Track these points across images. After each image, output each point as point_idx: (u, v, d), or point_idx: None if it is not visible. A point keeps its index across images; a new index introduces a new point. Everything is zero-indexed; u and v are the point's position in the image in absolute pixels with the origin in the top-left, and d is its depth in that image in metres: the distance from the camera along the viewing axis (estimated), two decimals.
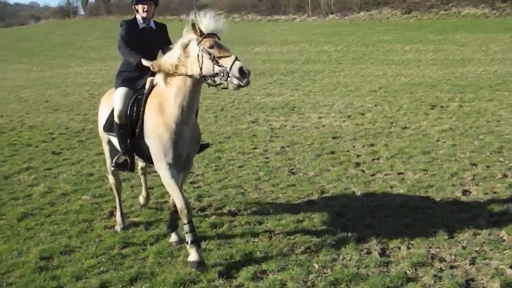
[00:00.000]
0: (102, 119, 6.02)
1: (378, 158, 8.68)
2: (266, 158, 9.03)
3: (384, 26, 44.12)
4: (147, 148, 5.28)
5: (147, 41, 5.67)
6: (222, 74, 4.73)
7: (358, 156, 8.89)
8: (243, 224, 6.13)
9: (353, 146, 9.55)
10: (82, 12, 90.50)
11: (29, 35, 61.06)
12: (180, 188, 5.32)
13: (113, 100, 5.70)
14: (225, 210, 6.63)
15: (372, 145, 9.57)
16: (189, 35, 4.98)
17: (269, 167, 8.44)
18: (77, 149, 10.36)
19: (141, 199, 6.75)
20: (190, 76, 5.00)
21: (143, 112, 5.30)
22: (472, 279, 4.68)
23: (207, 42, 4.85)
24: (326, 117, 12.43)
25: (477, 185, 7.12)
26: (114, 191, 6.42)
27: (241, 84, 4.68)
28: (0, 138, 11.63)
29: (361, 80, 18.65)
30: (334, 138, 10.28)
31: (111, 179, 6.38)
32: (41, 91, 19.75)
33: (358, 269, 4.92)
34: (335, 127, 11.33)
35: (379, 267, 4.94)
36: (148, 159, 5.51)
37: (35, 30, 68.64)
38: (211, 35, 4.89)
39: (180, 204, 5.13)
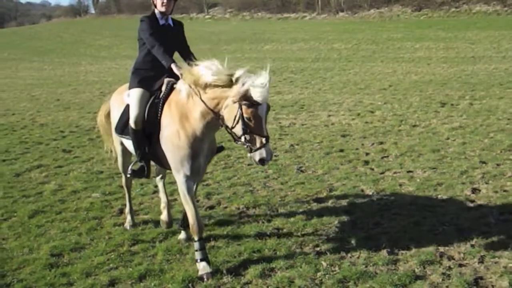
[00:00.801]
0: (113, 120, 5.85)
1: (387, 156, 8.67)
2: (275, 156, 9.03)
3: (394, 24, 43.95)
4: (163, 153, 5.13)
5: (167, 39, 5.39)
6: (245, 147, 4.67)
7: (367, 154, 8.87)
8: (251, 222, 6.15)
9: (362, 144, 9.54)
10: (92, 10, 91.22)
11: (40, 33, 61.50)
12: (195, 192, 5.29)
13: (128, 102, 5.46)
14: (233, 208, 6.65)
15: (381, 143, 9.55)
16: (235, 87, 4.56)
17: (278, 165, 8.46)
18: (87, 147, 10.43)
19: (164, 216, 6.06)
20: (218, 117, 4.78)
21: (160, 117, 5.12)
22: (481, 278, 4.66)
23: (246, 113, 4.53)
24: (335, 115, 12.41)
25: (486, 183, 7.08)
26: (125, 189, 6.37)
27: (257, 165, 4.73)
28: (12, 136, 11.74)
29: (371, 78, 18.59)
30: (343, 136, 10.27)
31: (122, 177, 6.39)
32: (52, 90, 19.91)
33: (366, 267, 4.92)
34: (345, 125, 11.31)
35: (387, 265, 4.94)
36: (162, 164, 5.36)
37: (47, 28, 69.11)
38: (254, 105, 4.51)
39: (192, 220, 5.03)
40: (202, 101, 4.80)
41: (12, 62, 36.00)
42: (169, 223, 6.03)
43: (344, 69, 22.07)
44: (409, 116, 11.73)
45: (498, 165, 7.83)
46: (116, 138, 6.00)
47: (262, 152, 4.56)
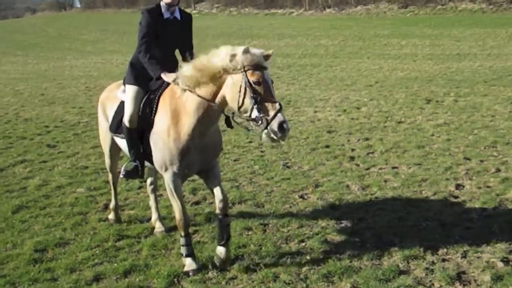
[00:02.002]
0: (105, 118, 5.68)
1: (372, 152, 8.72)
2: (261, 151, 9.05)
3: (381, 21, 44.14)
4: None
5: (171, 35, 5.01)
6: (260, 122, 4.22)
7: (352, 150, 8.91)
8: (237, 217, 6.16)
9: (348, 140, 9.58)
10: (78, 4, 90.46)
11: (24, 27, 60.79)
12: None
13: (123, 99, 5.25)
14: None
15: (367, 139, 9.59)
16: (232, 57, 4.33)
17: (264, 160, 8.46)
18: (72, 142, 10.35)
19: (158, 227, 5.85)
20: (222, 106, 4.54)
21: (155, 113, 4.88)
22: (464, 272, 4.72)
23: (253, 77, 4.25)
24: (321, 111, 12.44)
25: (470, 179, 7.16)
26: (111, 186, 6.23)
27: (275, 139, 4.23)
28: None
29: (358, 75, 18.65)
30: (329, 132, 10.31)
31: (109, 175, 6.28)
32: (37, 84, 19.69)
33: (351, 262, 4.95)
34: (331, 121, 11.35)
35: (371, 260, 4.97)
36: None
37: (31, 22, 68.35)
38: (260, 67, 4.30)
39: (179, 216, 4.91)
40: (199, 96, 4.57)
41: None
42: (165, 230, 5.81)
43: (330, 65, 22.10)
44: (395, 113, 11.79)
45: (481, 161, 7.92)
46: (105, 137, 5.85)
47: (280, 116, 4.16)
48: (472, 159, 8.02)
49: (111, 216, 6.18)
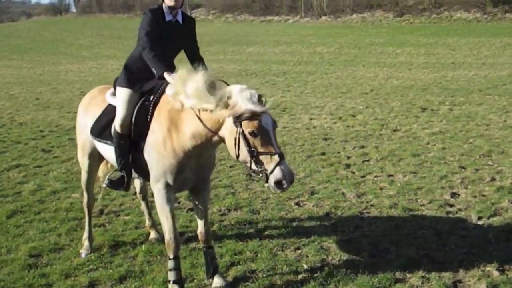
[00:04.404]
0: (88, 121, 5.21)
1: (368, 160, 8.73)
2: None
3: (376, 29, 44.37)
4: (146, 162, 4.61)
5: (172, 38, 4.76)
6: (260, 175, 3.91)
7: (348, 157, 8.93)
8: (233, 224, 6.15)
9: (344, 148, 9.59)
10: (74, 9, 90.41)
11: (20, 31, 60.70)
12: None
13: (111, 102, 4.96)
14: (215, 210, 6.63)
15: (362, 147, 9.61)
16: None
17: None
18: (67, 146, 10.31)
19: (153, 234, 5.77)
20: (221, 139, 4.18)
21: (150, 121, 4.57)
22: (460, 281, 4.73)
23: (249, 127, 3.88)
24: (317, 118, 12.46)
25: (465, 188, 7.18)
26: (85, 210, 5.64)
27: (275, 192, 3.98)
28: None
29: (353, 82, 18.71)
30: (325, 139, 10.32)
31: (84, 196, 5.68)
32: (32, 88, 19.64)
33: (346, 269, 4.94)
34: (326, 128, 11.37)
35: (367, 268, 4.97)
36: (146, 176, 4.75)
37: (26, 26, 68.26)
38: (256, 115, 3.91)
39: (168, 236, 4.49)
40: (200, 119, 4.21)
41: None
42: (162, 238, 5.53)
43: (326, 72, 22.17)
44: (390, 121, 11.83)
45: (477, 170, 7.94)
46: (84, 146, 5.39)
47: (277, 173, 3.82)
48: (467, 168, 8.05)
49: (83, 249, 5.49)
